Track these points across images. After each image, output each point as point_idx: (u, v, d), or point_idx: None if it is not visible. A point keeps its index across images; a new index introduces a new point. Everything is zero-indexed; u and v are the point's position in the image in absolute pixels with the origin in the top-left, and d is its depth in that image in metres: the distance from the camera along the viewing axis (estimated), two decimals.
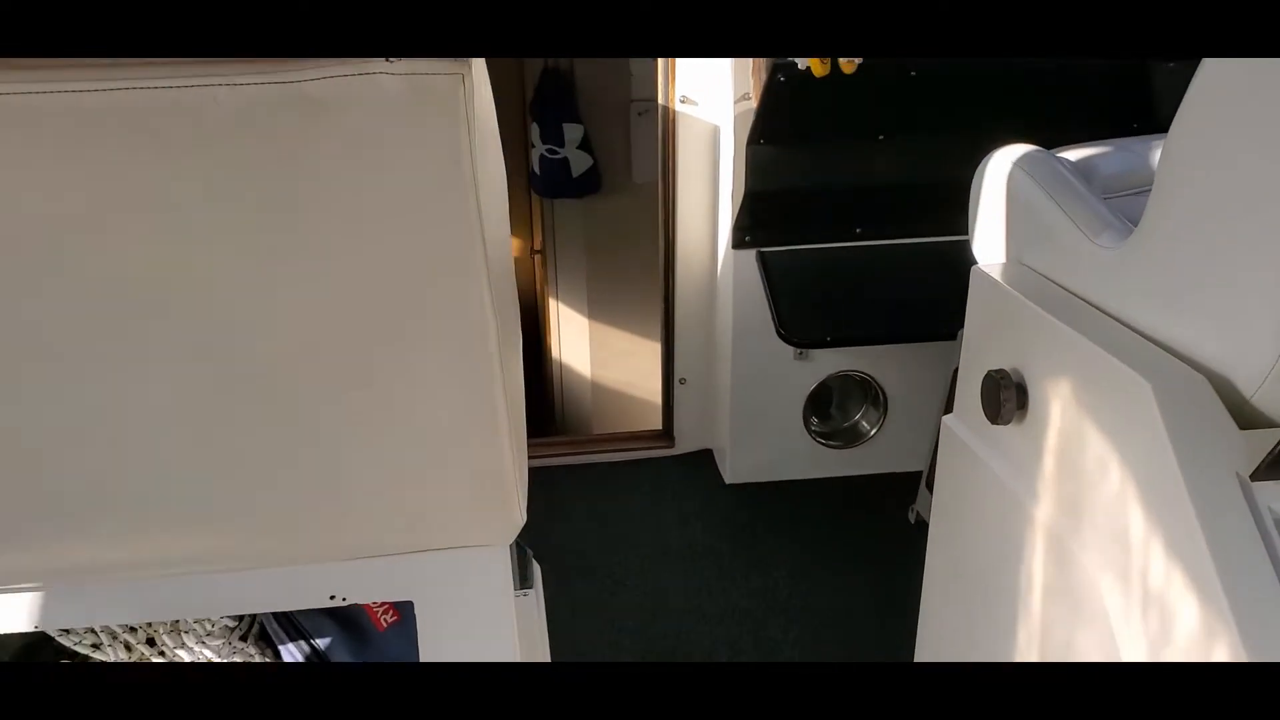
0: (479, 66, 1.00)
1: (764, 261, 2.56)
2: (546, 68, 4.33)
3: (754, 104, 2.39)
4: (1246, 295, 1.27)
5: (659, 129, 2.66)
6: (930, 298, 2.47)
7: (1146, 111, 2.40)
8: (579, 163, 4.37)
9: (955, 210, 1.91)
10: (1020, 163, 1.68)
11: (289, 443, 1.12)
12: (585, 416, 5.03)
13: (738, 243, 2.57)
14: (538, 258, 4.89)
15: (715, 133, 2.60)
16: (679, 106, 2.61)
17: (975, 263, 1.77)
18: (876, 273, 2.59)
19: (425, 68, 0.95)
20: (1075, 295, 1.56)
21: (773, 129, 2.36)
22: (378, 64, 0.96)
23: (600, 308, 4.76)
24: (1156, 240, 1.41)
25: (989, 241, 1.79)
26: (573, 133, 4.33)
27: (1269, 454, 1.28)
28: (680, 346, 2.83)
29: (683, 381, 2.87)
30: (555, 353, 4.98)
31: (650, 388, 3.22)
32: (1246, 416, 1.30)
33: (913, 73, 2.27)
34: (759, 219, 2.54)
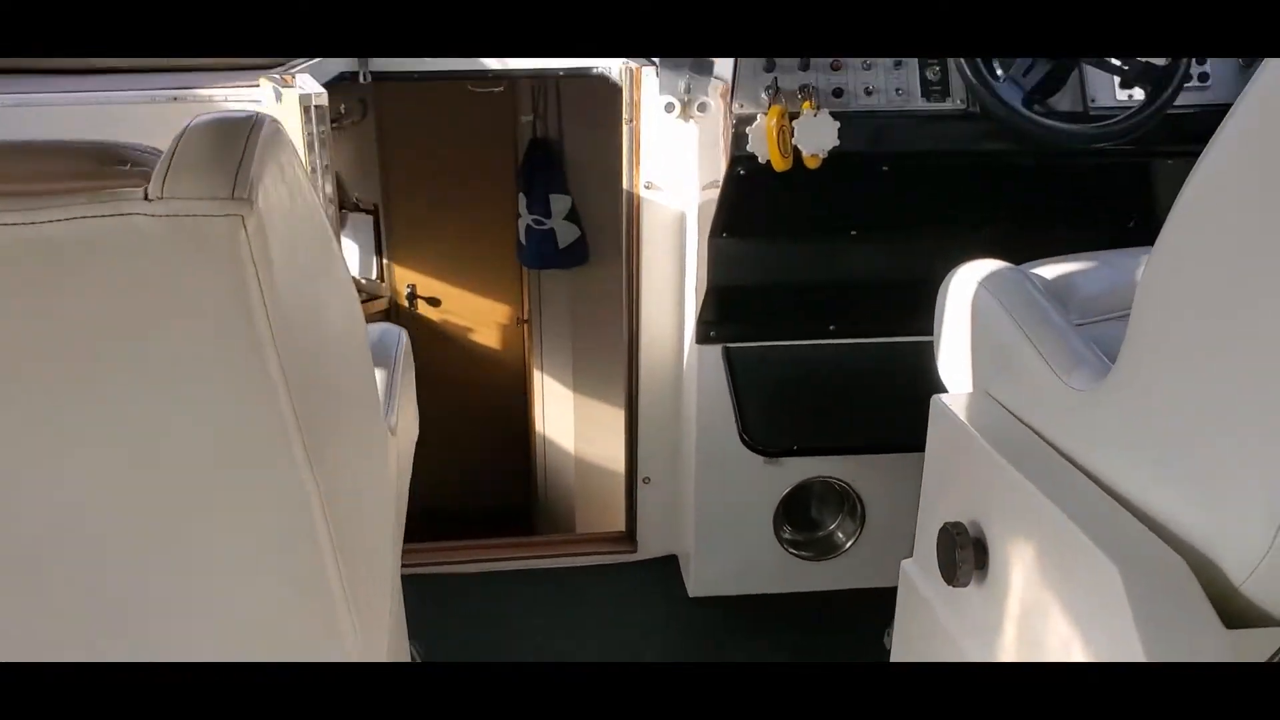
0: (273, 197, 0.82)
1: (729, 358, 2.37)
2: (535, 138, 4.21)
3: (718, 190, 2.22)
4: (1234, 458, 1.07)
5: (622, 214, 2.49)
6: (911, 402, 2.27)
7: (1145, 209, 2.21)
8: (566, 234, 4.23)
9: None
10: (987, 283, 1.49)
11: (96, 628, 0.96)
12: (568, 493, 4.85)
13: (702, 337, 2.39)
14: (525, 327, 4.74)
15: (681, 220, 2.43)
16: (643, 192, 2.44)
17: (938, 389, 1.58)
18: (852, 373, 2.39)
19: (191, 208, 0.77)
20: (1043, 438, 1.36)
21: (735, 222, 2.18)
22: (135, 203, 0.78)
23: (585, 380, 4.59)
24: (1132, 385, 1.21)
25: (953, 366, 1.60)
26: (560, 204, 4.20)
27: (1272, 659, 1.08)
28: (644, 444, 2.63)
29: (646, 481, 2.68)
30: (539, 425, 4.80)
31: None
32: (1235, 610, 1.09)
33: (884, 167, 2.09)
34: (725, 313, 2.35)
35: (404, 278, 4.77)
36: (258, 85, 2.24)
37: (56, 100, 2.25)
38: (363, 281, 4.66)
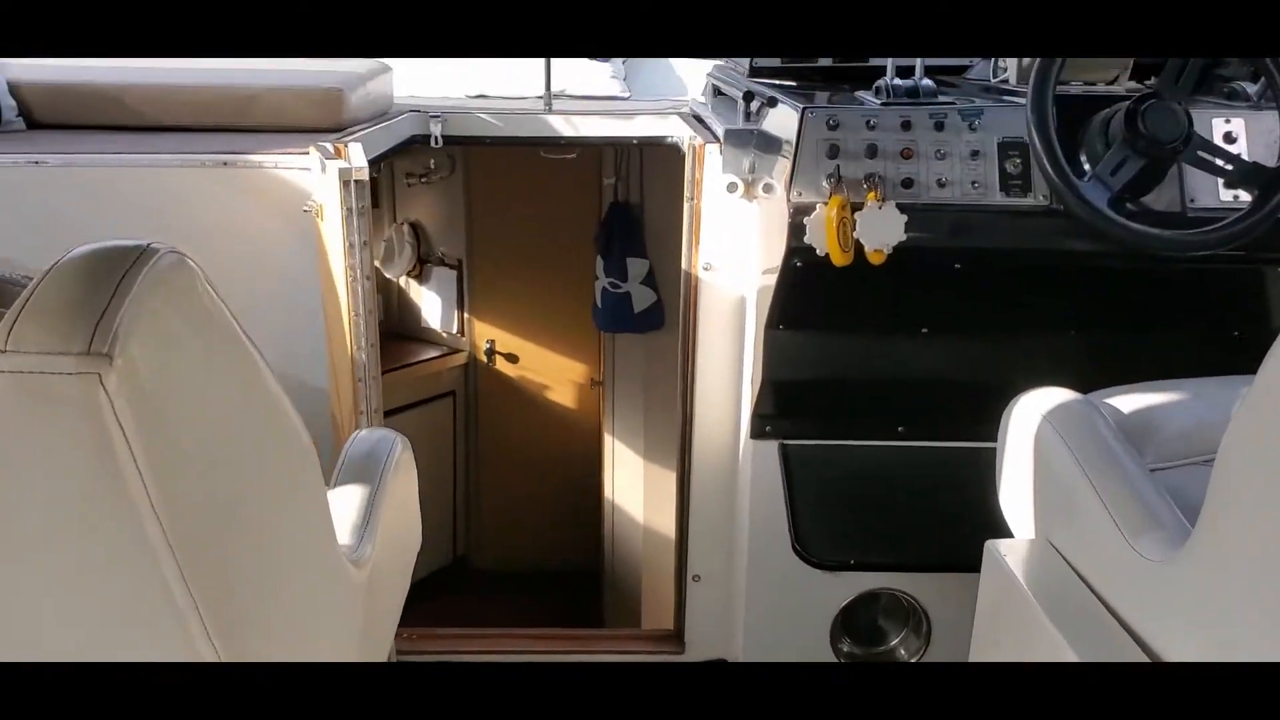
0: (153, 343, 0.71)
1: (786, 456, 2.21)
2: (616, 200, 4.12)
3: (778, 276, 2.07)
4: None
5: (680, 295, 2.36)
6: (985, 515, 2.07)
7: (1253, 319, 1.99)
8: (641, 298, 4.12)
9: None
10: (1052, 417, 1.31)
11: None
12: (635, 561, 4.69)
13: (757, 432, 2.23)
14: (598, 389, 4.62)
15: (740, 305, 2.28)
16: (702, 273, 2.30)
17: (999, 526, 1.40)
18: (920, 480, 2.20)
19: (38, 363, 0.65)
20: (1105, 604, 1.18)
21: (792, 315, 2.03)
22: None
23: (656, 447, 4.44)
24: (1213, 555, 1.02)
25: (1015, 504, 1.42)
26: (637, 268, 4.09)
27: None
28: (695, 539, 2.48)
29: (696, 579, 2.51)
30: (608, 492, 4.67)
31: None
32: None
33: (957, 265, 1.92)
34: (782, 408, 2.19)
35: (484, 333, 4.71)
36: (308, 153, 2.18)
37: (104, 161, 2.23)
38: (443, 335, 4.62)
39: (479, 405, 4.78)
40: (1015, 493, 1.40)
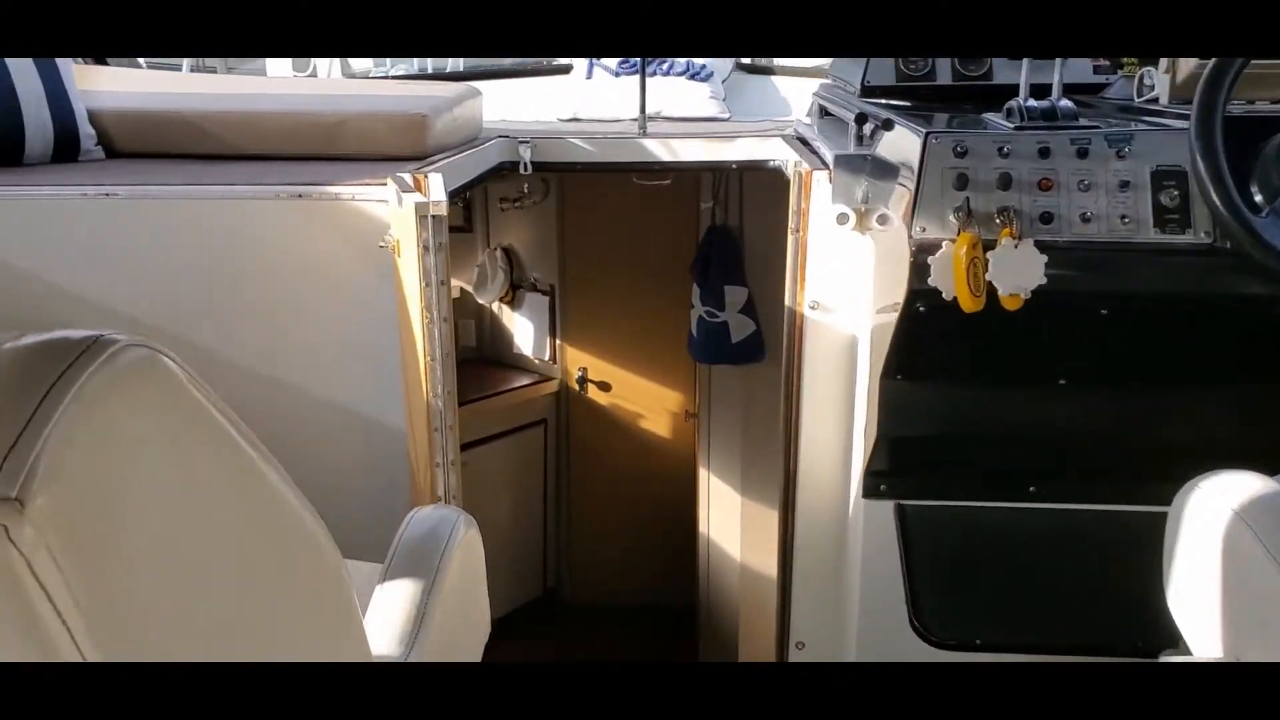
0: (100, 468, 0.54)
1: (903, 518, 1.99)
2: (714, 225, 3.93)
3: (897, 316, 1.87)
4: None
5: (783, 335, 2.16)
6: (1136, 592, 1.81)
7: None
8: (740, 328, 3.92)
9: (1171, 478, 1.33)
10: (1248, 513, 1.08)
11: None
12: (732, 602, 4.49)
13: (870, 491, 2.01)
14: (693, 421, 4.44)
15: (850, 348, 2.07)
16: (808, 312, 2.10)
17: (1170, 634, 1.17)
18: (1057, 548, 1.96)
19: None
20: None
21: (913, 364, 1.82)
22: None
23: (754, 484, 4.24)
24: None
25: (1190, 609, 1.18)
26: (735, 296, 3.89)
27: None
28: (799, 604, 2.27)
29: (800, 646, 2.30)
30: (703, 527, 4.48)
31: None
32: None
33: (1104, 310, 1.69)
34: (899, 464, 1.98)
35: (576, 360, 4.58)
36: (385, 184, 2.04)
37: (175, 193, 2.12)
38: (535, 362, 4.51)
39: (570, 434, 4.64)
40: (1192, 598, 1.17)
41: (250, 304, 2.18)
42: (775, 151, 2.80)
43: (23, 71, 2.39)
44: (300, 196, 2.11)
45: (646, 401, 4.61)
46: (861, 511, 2.04)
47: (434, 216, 1.79)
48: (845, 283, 2.05)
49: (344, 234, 2.13)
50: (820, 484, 2.17)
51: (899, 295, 1.95)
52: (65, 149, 2.46)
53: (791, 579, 2.25)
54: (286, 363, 2.21)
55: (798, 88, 3.51)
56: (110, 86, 2.71)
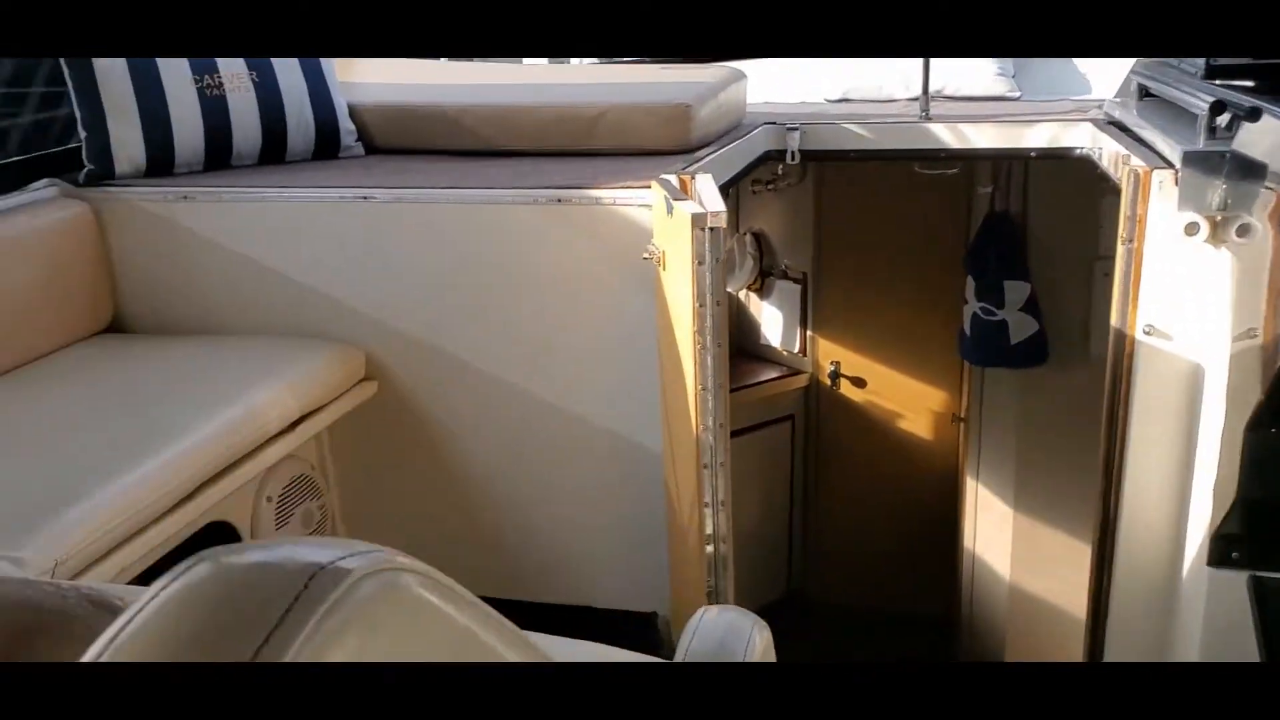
0: None
1: (1260, 594, 1.64)
2: (993, 212, 3.56)
3: (1260, 347, 1.53)
4: None
5: (1108, 365, 1.84)
6: None
7: None
8: (1020, 328, 3.55)
9: None
10: None
11: None
12: (999, 622, 4.14)
13: (1219, 557, 1.68)
14: (960, 425, 4.09)
15: (1194, 382, 1.73)
16: (1140, 337, 1.77)
17: None
18: None
19: None
20: None
21: None
22: None
23: (1030, 499, 3.88)
24: None
25: None
26: (1015, 292, 3.53)
27: None
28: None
29: None
30: (967, 539, 4.14)
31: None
32: None
33: None
34: (1259, 530, 1.63)
35: (828, 353, 4.31)
36: (649, 186, 1.85)
37: (433, 196, 2.01)
38: (784, 354, 4.27)
39: (820, 431, 4.39)
40: None
41: (504, 312, 2.06)
42: (1081, 138, 2.45)
43: (286, 68, 2.35)
44: (560, 201, 1.95)
45: (906, 401, 4.30)
46: (1205, 581, 1.70)
47: (711, 229, 1.58)
48: (1191, 304, 1.72)
49: (603, 241, 1.96)
50: (1147, 538, 1.85)
51: (1257, 319, 1.60)
52: (326, 146, 2.41)
53: (1103, 647, 1.93)
54: (539, 374, 2.08)
55: (1098, 64, 3.09)
56: (367, 76, 2.65)
